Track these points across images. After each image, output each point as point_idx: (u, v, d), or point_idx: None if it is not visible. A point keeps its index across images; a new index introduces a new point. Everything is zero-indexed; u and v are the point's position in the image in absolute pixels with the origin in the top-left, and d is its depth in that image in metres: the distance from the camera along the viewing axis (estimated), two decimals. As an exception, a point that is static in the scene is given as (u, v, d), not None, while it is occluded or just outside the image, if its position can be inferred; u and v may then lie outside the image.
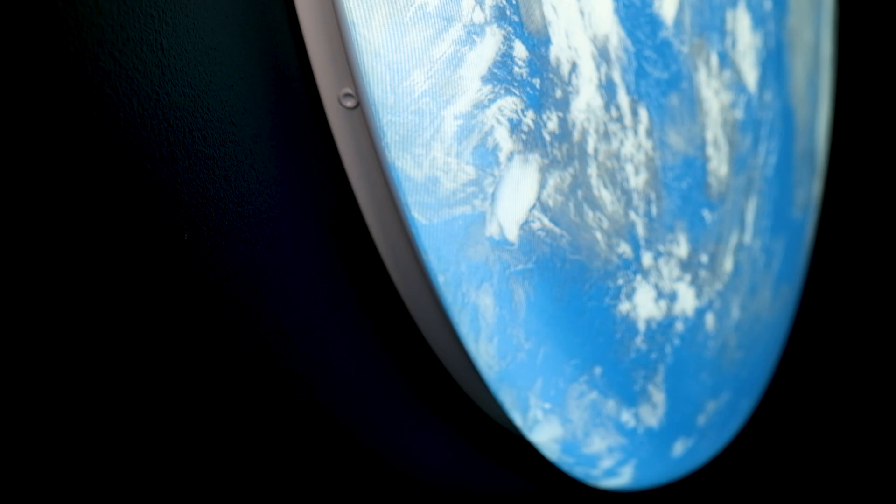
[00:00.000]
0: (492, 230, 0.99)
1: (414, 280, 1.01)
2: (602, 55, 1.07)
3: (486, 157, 0.96)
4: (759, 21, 1.52)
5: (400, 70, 0.89)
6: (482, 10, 0.92)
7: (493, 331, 1.04)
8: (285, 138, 0.91)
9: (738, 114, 1.46)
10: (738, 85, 1.45)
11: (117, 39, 0.72)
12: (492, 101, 0.95)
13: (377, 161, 0.94)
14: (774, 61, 1.62)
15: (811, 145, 1.98)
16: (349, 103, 0.93)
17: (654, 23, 1.17)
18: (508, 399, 1.08)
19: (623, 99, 1.12)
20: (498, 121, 0.96)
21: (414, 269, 1.00)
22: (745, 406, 1.80)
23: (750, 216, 1.55)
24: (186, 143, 0.79)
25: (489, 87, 0.94)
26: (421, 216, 0.94)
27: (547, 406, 1.14)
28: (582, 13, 1.03)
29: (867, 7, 2.28)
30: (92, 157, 0.71)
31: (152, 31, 0.75)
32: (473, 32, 0.92)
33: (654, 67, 1.17)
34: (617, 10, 1.09)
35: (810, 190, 2.02)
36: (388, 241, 1.00)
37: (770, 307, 1.79)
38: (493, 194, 0.97)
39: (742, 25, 1.45)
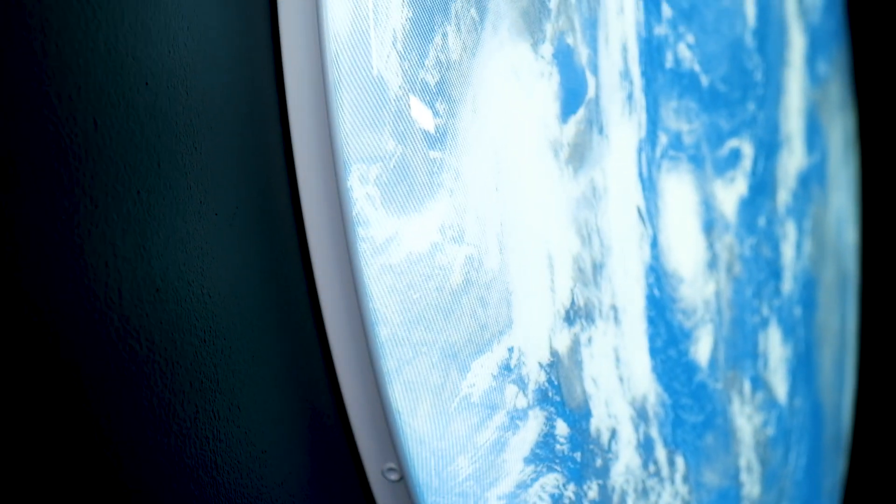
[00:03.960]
0: None
1: None
2: (640, 416, 1.08)
3: (528, 536, 0.96)
4: (789, 332, 1.54)
5: (445, 456, 0.90)
6: (525, 395, 0.93)
7: None
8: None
9: (770, 430, 1.46)
10: (769, 402, 1.46)
11: (174, 471, 0.73)
12: (534, 479, 0.95)
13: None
14: (804, 365, 1.63)
15: (838, 428, 1.98)
16: (393, 476, 0.94)
17: (690, 369, 1.18)
18: None
19: (660, 452, 1.12)
20: (540, 497, 0.96)
21: None
22: None
23: (782, 527, 1.54)
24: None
25: (532, 466, 0.95)
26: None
27: None
28: (621, 380, 1.05)
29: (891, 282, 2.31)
30: None
31: (208, 452, 0.76)
32: (517, 417, 0.93)
33: (689, 413, 1.18)
34: (654, 368, 1.11)
35: (837, 471, 2.01)
36: None
37: None
38: (534, 570, 0.97)
39: (773, 342, 1.47)
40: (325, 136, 0.82)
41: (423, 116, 0.84)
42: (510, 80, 0.91)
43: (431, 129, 0.84)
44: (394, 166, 0.83)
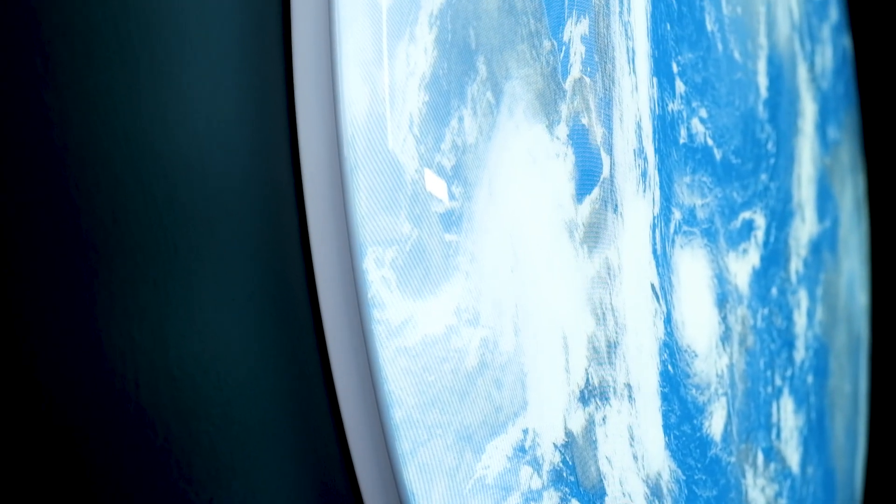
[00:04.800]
0: None
1: None
2: (654, 493, 1.08)
3: None
4: (801, 400, 1.53)
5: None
6: (539, 476, 0.93)
7: None
8: None
9: (784, 501, 1.45)
10: (783, 472, 1.45)
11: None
12: (548, 561, 0.95)
13: None
14: (816, 432, 1.63)
15: (850, 493, 1.97)
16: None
17: (704, 444, 1.18)
18: None
19: (675, 530, 1.12)
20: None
21: None
22: None
23: None
24: None
25: (545, 548, 0.94)
26: None
27: None
28: (635, 457, 1.04)
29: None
30: None
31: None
32: (531, 499, 0.92)
33: (703, 488, 1.18)
34: (668, 445, 1.10)
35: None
36: None
37: None
38: None
39: (786, 412, 1.46)
40: (341, 220, 0.83)
41: (438, 190, 0.84)
42: (526, 161, 0.91)
43: (447, 202, 0.85)
44: (409, 249, 0.83)
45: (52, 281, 0.64)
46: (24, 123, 0.63)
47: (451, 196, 0.85)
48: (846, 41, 1.98)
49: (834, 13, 1.88)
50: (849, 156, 1.92)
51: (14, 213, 0.62)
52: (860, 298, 2.03)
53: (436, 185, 0.84)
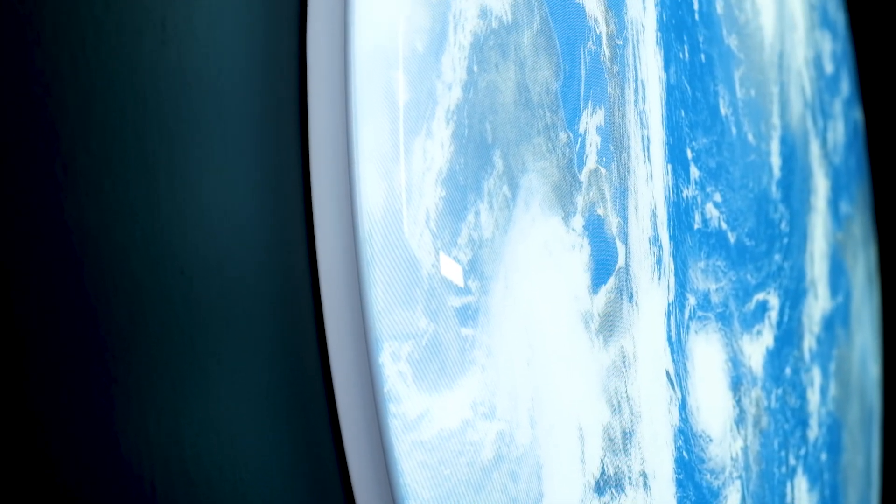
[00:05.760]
0: None
1: None
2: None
3: None
4: (815, 478, 1.53)
5: None
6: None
7: None
8: None
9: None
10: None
11: None
12: None
13: None
14: (831, 506, 1.62)
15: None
16: None
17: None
18: None
19: None
20: None
21: None
22: None
23: None
24: None
25: None
26: None
27: None
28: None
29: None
30: None
31: None
32: None
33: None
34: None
35: None
36: None
37: None
38: None
39: (800, 491, 1.45)
40: (357, 314, 0.83)
41: (453, 275, 0.84)
42: (542, 254, 0.91)
43: (462, 286, 0.85)
44: (426, 344, 0.82)
45: (69, 380, 0.64)
46: (44, 227, 0.63)
47: (468, 288, 0.85)
48: (857, 114, 1.98)
49: (845, 87, 1.89)
50: (861, 229, 1.92)
51: (32, 313, 0.62)
52: (872, 370, 2.02)
53: (451, 270, 0.84)
